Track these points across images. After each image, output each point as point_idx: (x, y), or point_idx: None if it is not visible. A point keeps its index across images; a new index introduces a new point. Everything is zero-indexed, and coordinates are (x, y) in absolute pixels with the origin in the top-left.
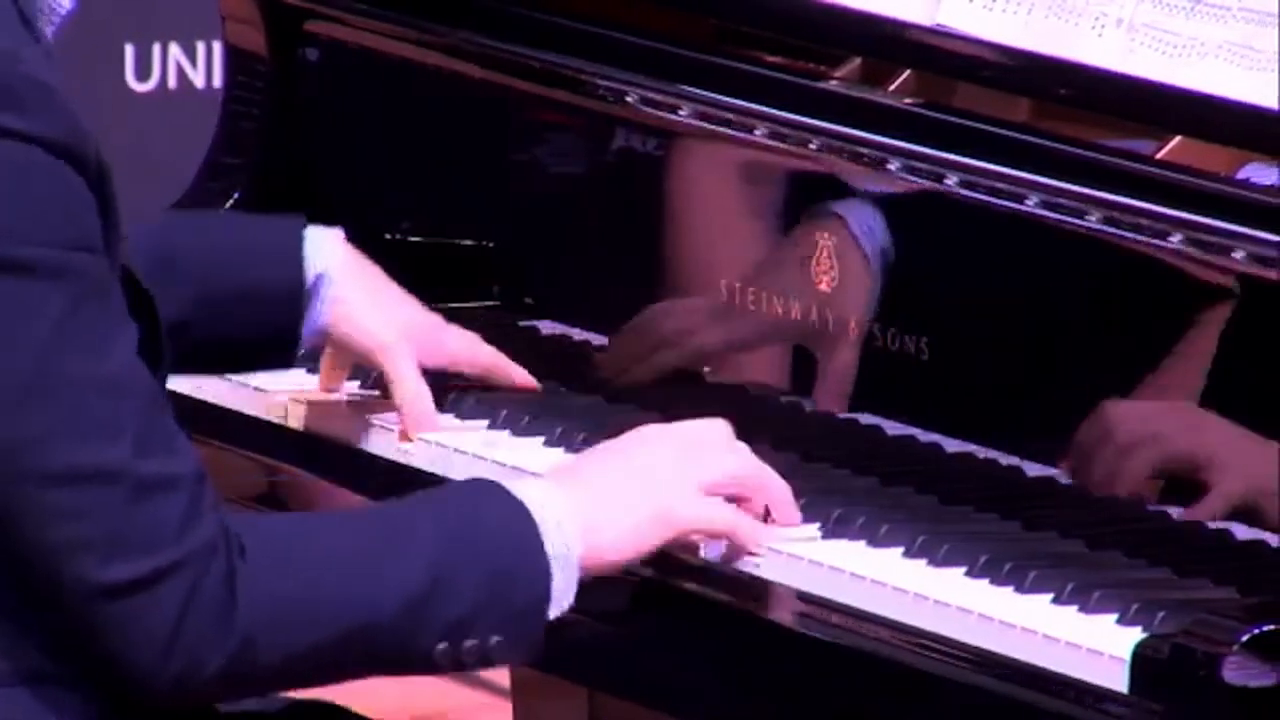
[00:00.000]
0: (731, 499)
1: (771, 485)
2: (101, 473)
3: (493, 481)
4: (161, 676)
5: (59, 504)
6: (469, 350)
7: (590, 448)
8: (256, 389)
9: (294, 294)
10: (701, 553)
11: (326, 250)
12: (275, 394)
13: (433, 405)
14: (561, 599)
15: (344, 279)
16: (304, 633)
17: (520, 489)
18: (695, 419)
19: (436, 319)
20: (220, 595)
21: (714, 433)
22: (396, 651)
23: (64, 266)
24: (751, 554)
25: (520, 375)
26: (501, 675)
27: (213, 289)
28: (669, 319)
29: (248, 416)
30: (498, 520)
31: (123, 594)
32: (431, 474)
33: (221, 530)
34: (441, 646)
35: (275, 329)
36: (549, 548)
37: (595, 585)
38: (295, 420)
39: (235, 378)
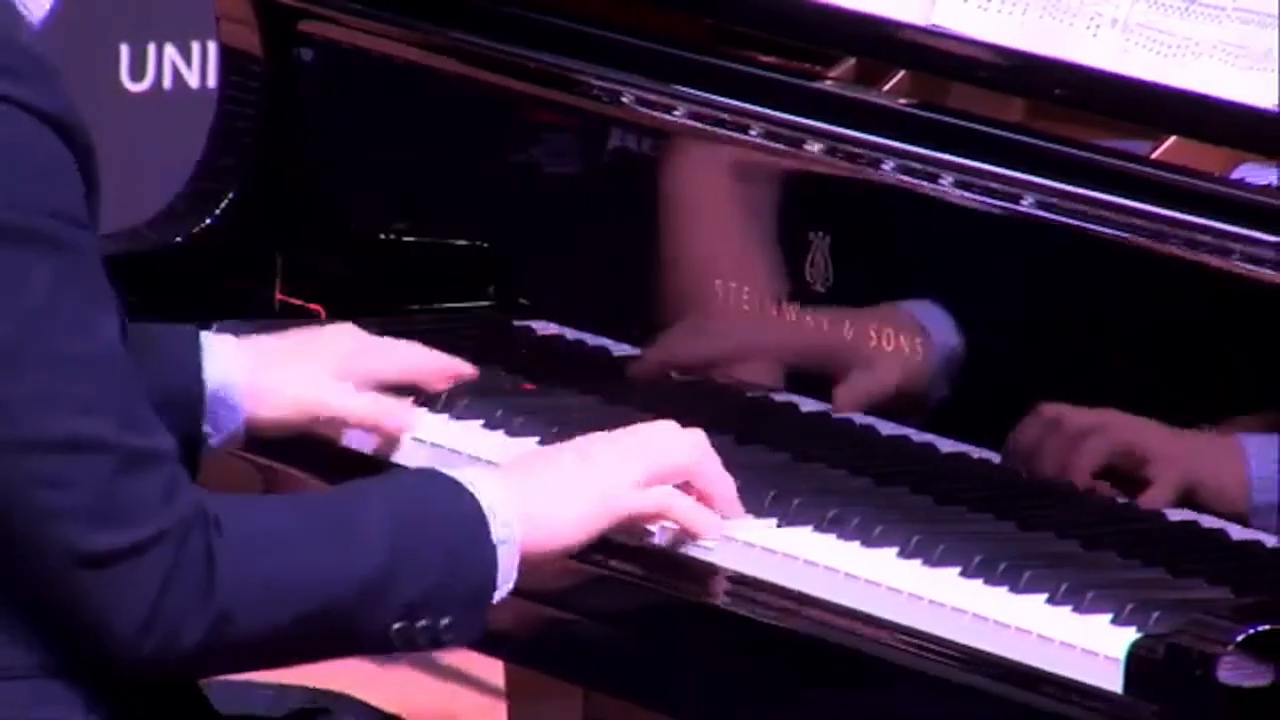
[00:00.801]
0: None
1: (713, 477)
2: (89, 442)
3: (439, 470)
4: (141, 647)
5: (46, 471)
6: (403, 360)
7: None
8: None
9: (195, 403)
10: (699, 554)
11: (222, 357)
12: None
13: (398, 404)
14: (504, 583)
15: (246, 376)
16: (277, 608)
17: (466, 476)
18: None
19: (353, 344)
20: (200, 568)
21: (662, 427)
22: (356, 630)
23: (55, 236)
24: (695, 538)
25: (460, 366)
26: (497, 675)
27: None
28: (663, 318)
29: None
30: (447, 505)
31: (105, 563)
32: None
33: (199, 506)
34: (397, 626)
35: (180, 436)
36: (494, 535)
37: (590, 585)
38: None
39: None
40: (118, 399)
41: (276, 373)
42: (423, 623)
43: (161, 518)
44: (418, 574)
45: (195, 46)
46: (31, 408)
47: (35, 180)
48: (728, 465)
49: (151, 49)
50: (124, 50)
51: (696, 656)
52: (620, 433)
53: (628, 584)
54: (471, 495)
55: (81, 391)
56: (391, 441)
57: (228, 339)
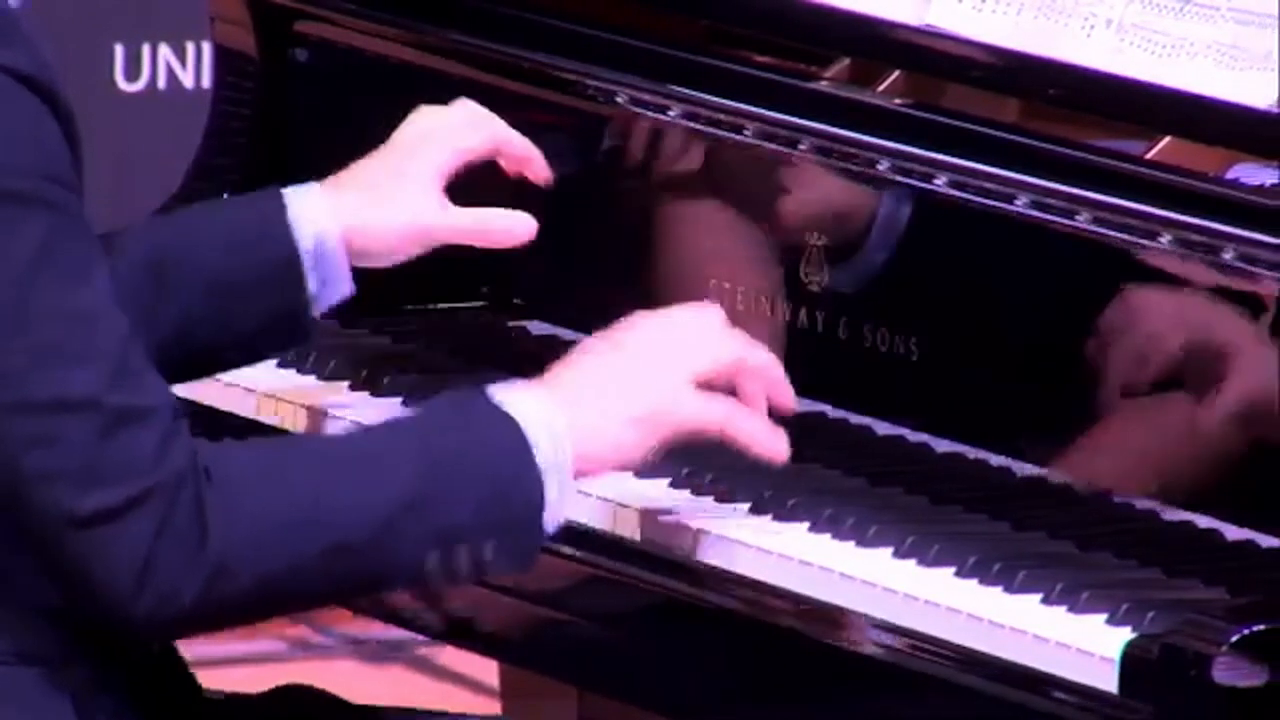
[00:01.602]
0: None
1: (764, 366)
2: (76, 402)
3: (477, 393)
4: (136, 606)
5: (33, 432)
6: (488, 138)
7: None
8: (246, 389)
9: (294, 270)
10: (697, 554)
11: (310, 210)
12: (264, 393)
13: (499, 212)
14: (557, 509)
15: (339, 223)
16: (278, 556)
17: (507, 397)
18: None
19: (437, 151)
20: (191, 523)
21: (702, 318)
22: (382, 568)
23: (40, 195)
24: (759, 452)
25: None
26: (491, 675)
27: (211, 289)
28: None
29: (239, 416)
30: (484, 429)
31: (95, 523)
32: None
33: (191, 459)
34: (433, 556)
35: (284, 310)
36: (539, 457)
37: (587, 585)
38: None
39: (224, 377)
40: (109, 354)
41: (369, 212)
42: (462, 552)
43: (152, 474)
44: (451, 502)
45: (190, 47)
46: (21, 367)
47: (10, 140)
48: (724, 466)
49: (146, 49)
50: (119, 50)
51: (691, 656)
52: (653, 329)
53: (622, 584)
54: (510, 417)
55: (73, 349)
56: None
57: (312, 189)
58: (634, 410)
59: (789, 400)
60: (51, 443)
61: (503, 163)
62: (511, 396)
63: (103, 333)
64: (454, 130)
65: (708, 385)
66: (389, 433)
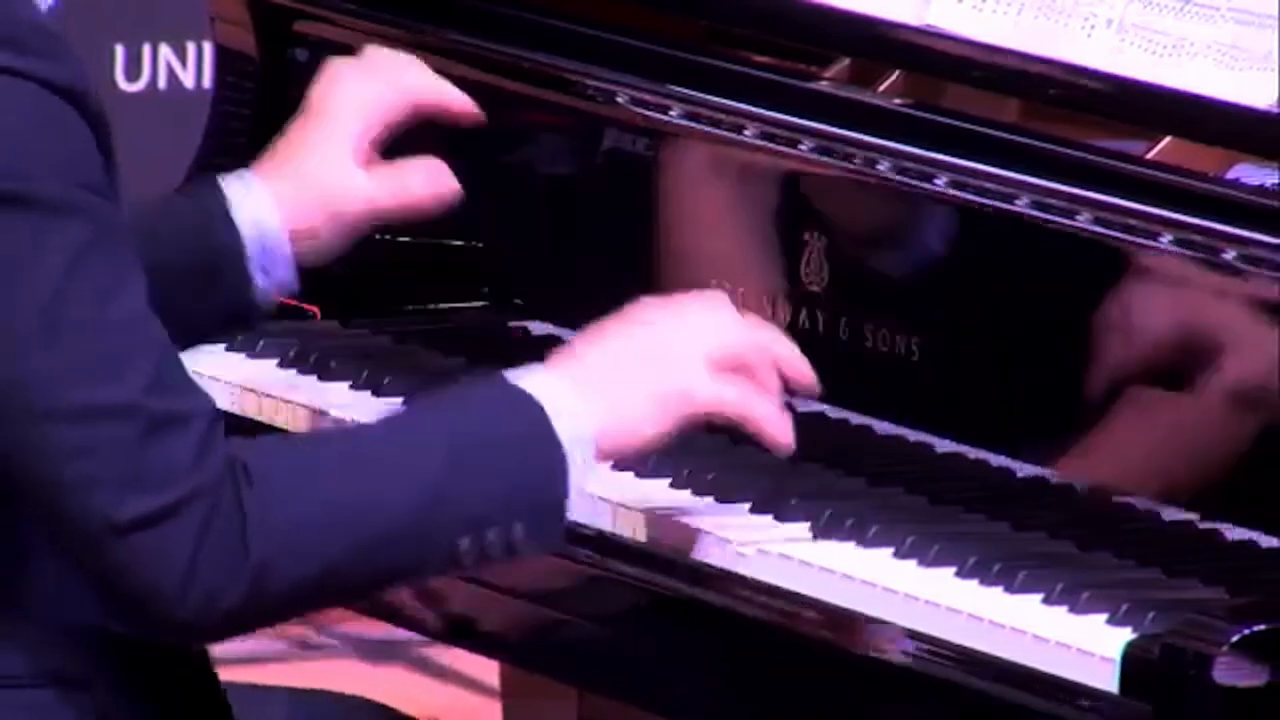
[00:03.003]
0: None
1: (780, 349)
2: (114, 409)
3: (496, 375)
4: (181, 610)
5: (72, 441)
6: (414, 94)
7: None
8: (245, 389)
9: (237, 261)
10: (694, 554)
11: (250, 201)
12: (264, 394)
13: (426, 165)
14: (580, 483)
15: (275, 209)
16: (320, 550)
17: (527, 380)
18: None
19: (356, 118)
20: (232, 524)
21: (713, 304)
22: (418, 556)
23: (75, 204)
24: (772, 442)
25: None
26: (492, 676)
27: (155, 280)
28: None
29: (240, 416)
30: (507, 412)
31: (137, 529)
32: None
33: (230, 460)
34: (465, 542)
35: (229, 301)
36: (562, 437)
37: (587, 586)
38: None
39: (225, 377)
40: (147, 360)
41: (301, 193)
42: (493, 535)
43: (192, 479)
44: (480, 486)
45: (190, 47)
46: (58, 375)
47: (47, 150)
48: (721, 466)
49: (147, 49)
50: (119, 50)
51: (690, 657)
52: (668, 313)
53: (622, 584)
54: (533, 399)
55: (110, 356)
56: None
57: (250, 179)
58: (652, 391)
59: (808, 377)
60: (91, 451)
61: (430, 117)
62: (531, 379)
63: (140, 339)
64: (365, 101)
65: (721, 369)
66: (415, 422)
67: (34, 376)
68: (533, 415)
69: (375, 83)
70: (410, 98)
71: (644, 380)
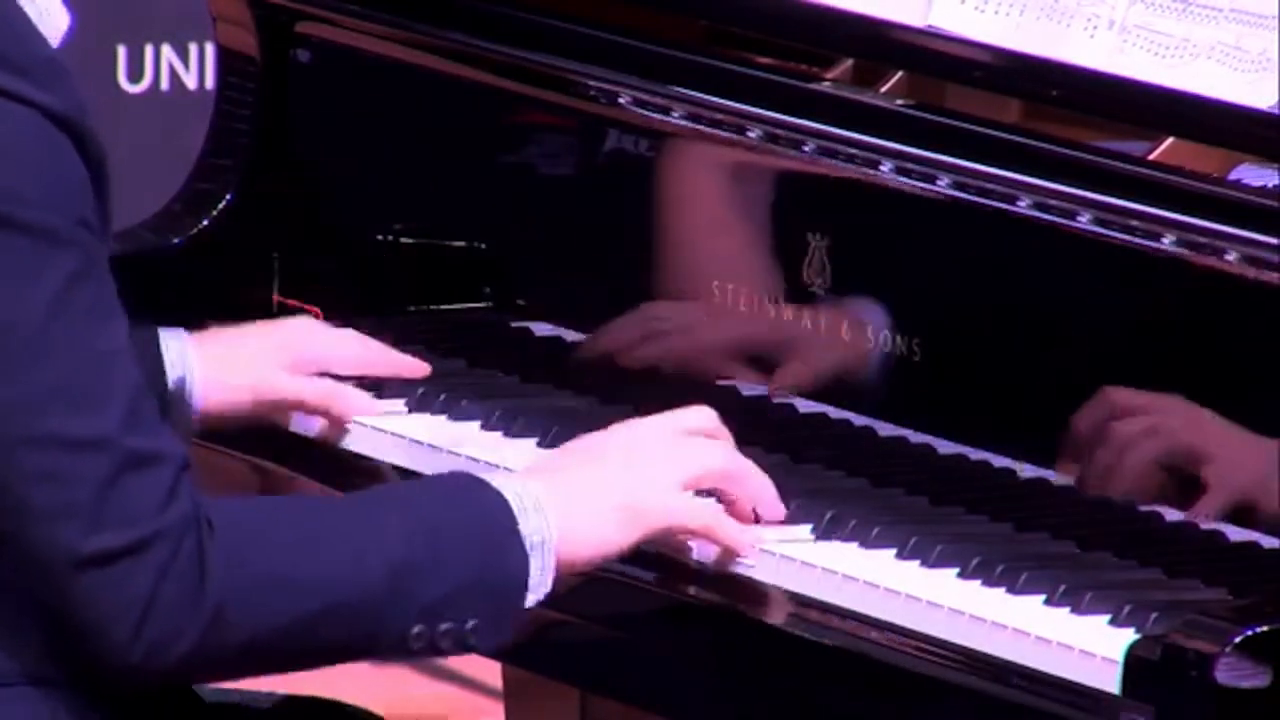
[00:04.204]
0: (716, 495)
1: (753, 480)
2: (91, 441)
3: (466, 473)
4: (132, 651)
5: (44, 467)
6: (354, 353)
7: (568, 442)
8: None
9: (158, 400)
10: (694, 554)
11: (177, 353)
12: None
13: (347, 389)
14: (538, 587)
15: (200, 369)
16: (275, 611)
17: (496, 480)
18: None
19: (305, 335)
20: (191, 571)
21: (697, 423)
22: (370, 634)
23: (70, 237)
24: (733, 554)
25: (410, 364)
26: (494, 676)
27: None
28: (660, 319)
29: None
30: (474, 507)
31: (99, 564)
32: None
33: (196, 509)
34: (417, 629)
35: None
36: (526, 534)
37: (588, 586)
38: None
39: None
40: (125, 398)
41: (229, 363)
42: (445, 626)
43: (158, 520)
44: (438, 575)
45: (192, 48)
46: (38, 401)
47: (45, 180)
48: None
49: (149, 50)
50: (121, 51)
51: (693, 658)
52: (649, 430)
53: (625, 586)
54: (500, 495)
55: (91, 389)
56: (341, 428)
57: (180, 333)
58: (620, 505)
59: (776, 514)
60: (63, 481)
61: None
62: (501, 479)
63: (119, 375)
64: (328, 340)
65: (694, 489)
66: (382, 501)
67: (17, 399)
68: (501, 515)
69: (344, 337)
70: (360, 367)
71: (613, 494)
